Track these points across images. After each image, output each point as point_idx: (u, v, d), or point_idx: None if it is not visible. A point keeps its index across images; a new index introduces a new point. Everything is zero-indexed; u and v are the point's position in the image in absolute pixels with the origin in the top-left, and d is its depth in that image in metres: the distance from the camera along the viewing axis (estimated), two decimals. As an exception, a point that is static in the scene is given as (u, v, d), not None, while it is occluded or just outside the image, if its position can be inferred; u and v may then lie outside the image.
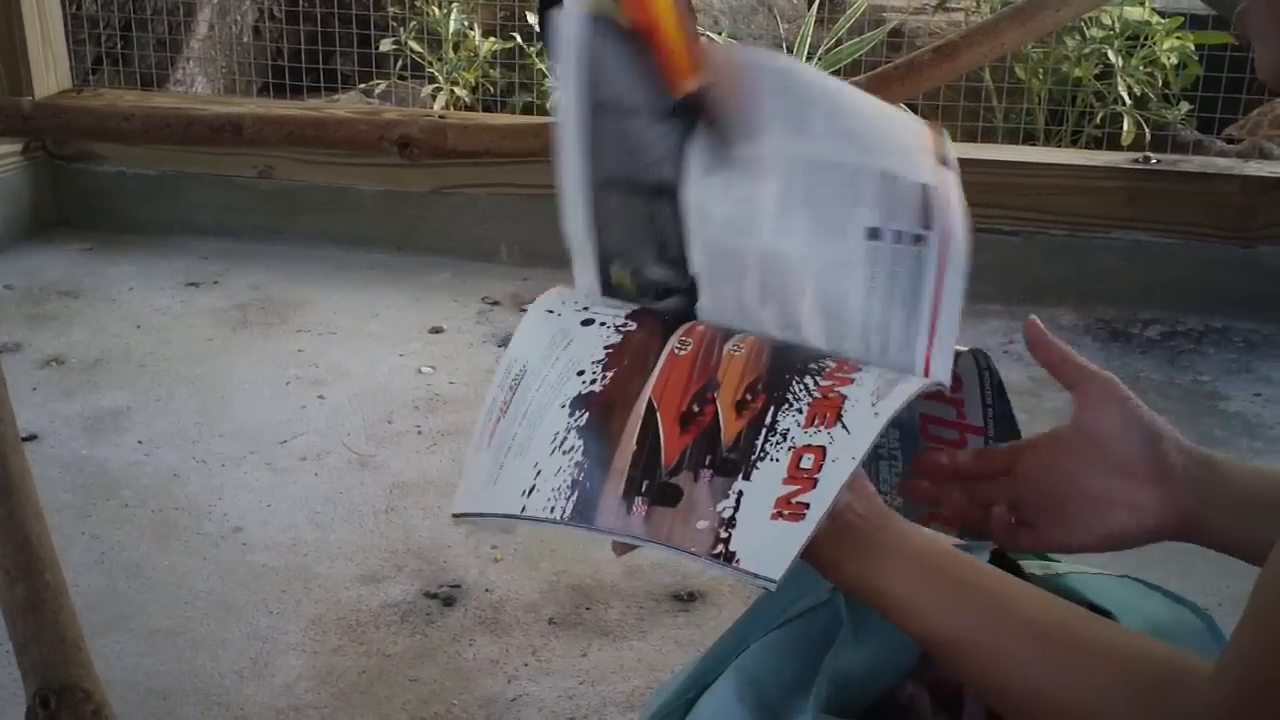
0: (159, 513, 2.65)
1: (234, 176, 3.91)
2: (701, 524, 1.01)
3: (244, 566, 2.49)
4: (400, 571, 2.48)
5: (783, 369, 1.09)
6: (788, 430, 1.04)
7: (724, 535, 1.00)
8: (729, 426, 1.06)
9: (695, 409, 1.08)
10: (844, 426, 1.02)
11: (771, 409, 1.06)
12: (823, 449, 1.01)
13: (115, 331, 3.39)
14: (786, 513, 0.99)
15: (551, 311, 1.22)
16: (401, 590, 2.43)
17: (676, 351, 1.13)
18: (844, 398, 1.04)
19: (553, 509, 1.06)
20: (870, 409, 1.03)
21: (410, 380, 3.17)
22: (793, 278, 1.13)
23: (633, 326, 1.17)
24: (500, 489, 1.11)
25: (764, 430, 1.05)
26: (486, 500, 1.11)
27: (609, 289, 1.23)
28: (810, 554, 0.99)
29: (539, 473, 1.09)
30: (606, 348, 1.15)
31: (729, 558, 0.99)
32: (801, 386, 1.07)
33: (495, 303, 3.58)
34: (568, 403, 1.12)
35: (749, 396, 1.07)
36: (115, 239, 3.91)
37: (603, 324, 1.18)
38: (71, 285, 3.64)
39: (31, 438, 2.85)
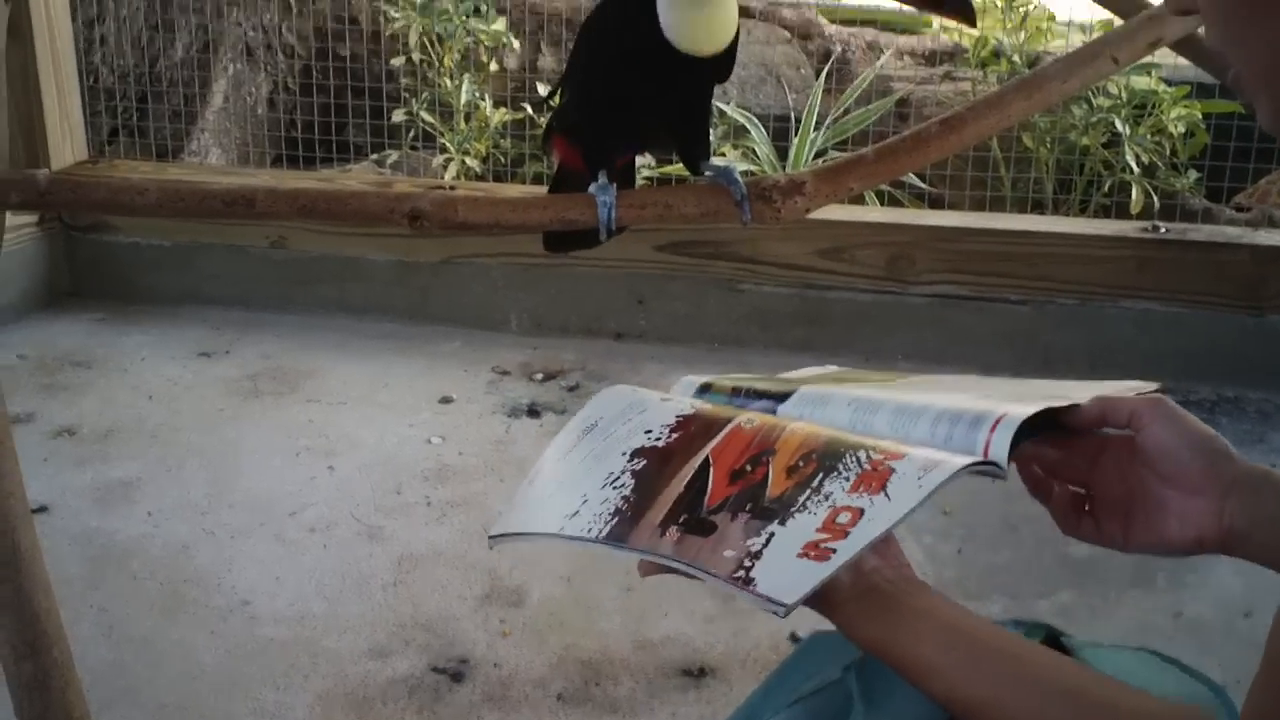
0: (168, 585, 2.65)
1: (247, 246, 3.93)
2: (729, 553, 1.05)
3: (252, 640, 2.48)
4: (408, 646, 2.46)
5: (839, 444, 1.14)
6: (831, 493, 1.08)
7: (747, 564, 1.04)
8: (776, 484, 1.11)
9: (748, 468, 1.14)
10: (886, 495, 1.06)
11: (820, 474, 1.10)
12: (861, 510, 1.05)
13: (127, 402, 3.40)
14: (813, 554, 1.02)
15: (634, 389, 1.32)
16: (409, 665, 2.41)
17: (743, 426, 1.20)
18: (892, 470, 1.08)
19: (589, 529, 1.13)
20: (916, 481, 1.07)
21: (419, 451, 3.17)
22: (883, 401, 1.21)
23: (707, 406, 1.26)
24: (544, 513, 1.19)
25: (809, 490, 1.09)
26: (527, 522, 1.20)
27: (702, 391, 1.32)
28: (835, 613, 1.02)
29: (585, 501, 1.16)
30: (678, 417, 1.24)
31: (746, 582, 1.02)
32: (854, 459, 1.11)
33: (505, 372, 3.58)
34: (629, 451, 1.20)
35: (801, 463, 1.12)
36: (128, 309, 3.93)
37: (680, 403, 1.28)
38: (84, 355, 3.66)
39: (42, 509, 2.85)
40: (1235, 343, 3.49)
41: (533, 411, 3.36)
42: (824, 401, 1.24)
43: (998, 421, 1.12)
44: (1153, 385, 1.27)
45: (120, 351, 3.69)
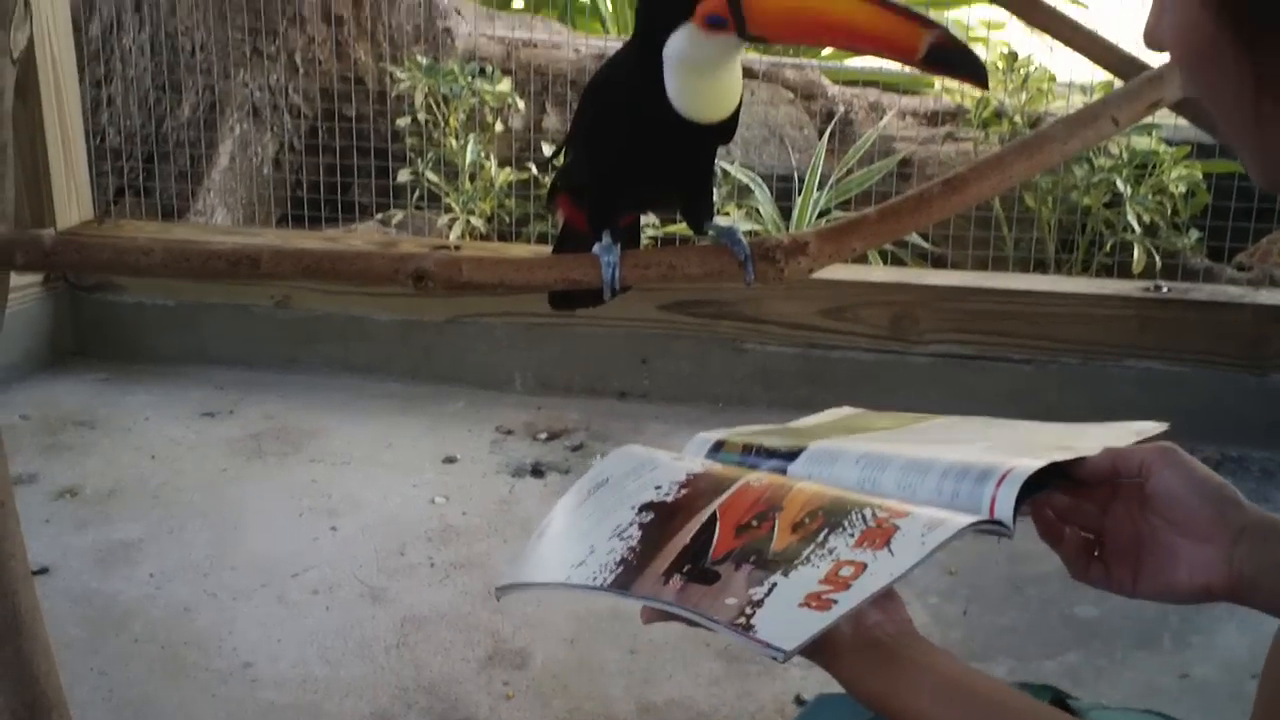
0: (168, 648, 2.63)
1: (251, 305, 3.94)
2: (730, 600, 1.06)
3: (253, 703, 2.47)
4: (411, 709, 2.45)
5: (845, 502, 1.15)
6: (835, 548, 1.09)
7: (749, 611, 1.05)
8: (781, 539, 1.12)
9: (754, 523, 1.15)
10: (890, 550, 1.07)
11: (825, 530, 1.11)
12: (864, 564, 1.06)
13: (130, 462, 3.39)
14: (814, 604, 1.03)
15: (646, 449, 1.34)
16: (412, 726, 2.40)
17: (751, 483, 1.22)
18: (897, 527, 1.09)
19: (595, 578, 1.15)
20: (919, 538, 1.08)
21: (423, 511, 3.16)
22: (893, 457, 1.22)
23: (717, 466, 1.28)
24: (551, 564, 1.21)
25: (813, 544, 1.10)
26: (534, 573, 1.21)
27: (715, 450, 1.33)
28: (836, 665, 1.03)
29: (592, 551, 1.18)
30: (688, 474, 1.26)
31: (747, 628, 1.03)
32: (859, 516, 1.12)
33: (509, 432, 3.58)
34: (638, 505, 1.22)
35: (807, 520, 1.13)
36: (132, 368, 3.93)
37: (691, 462, 1.30)
38: (88, 415, 3.65)
39: (43, 571, 2.84)
40: (1238, 402, 3.48)
41: (537, 471, 3.36)
42: (833, 459, 1.25)
43: (1004, 477, 1.13)
44: (1160, 425, 1.28)
45: (124, 411, 3.69)
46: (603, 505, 1.24)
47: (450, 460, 3.41)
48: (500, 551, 2.98)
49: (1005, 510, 1.11)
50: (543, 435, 3.56)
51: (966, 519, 1.10)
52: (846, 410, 1.49)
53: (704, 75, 1.59)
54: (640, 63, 1.60)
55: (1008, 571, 2.83)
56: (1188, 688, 2.49)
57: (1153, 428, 1.29)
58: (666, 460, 1.30)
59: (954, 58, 1.42)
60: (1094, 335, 3.55)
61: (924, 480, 1.17)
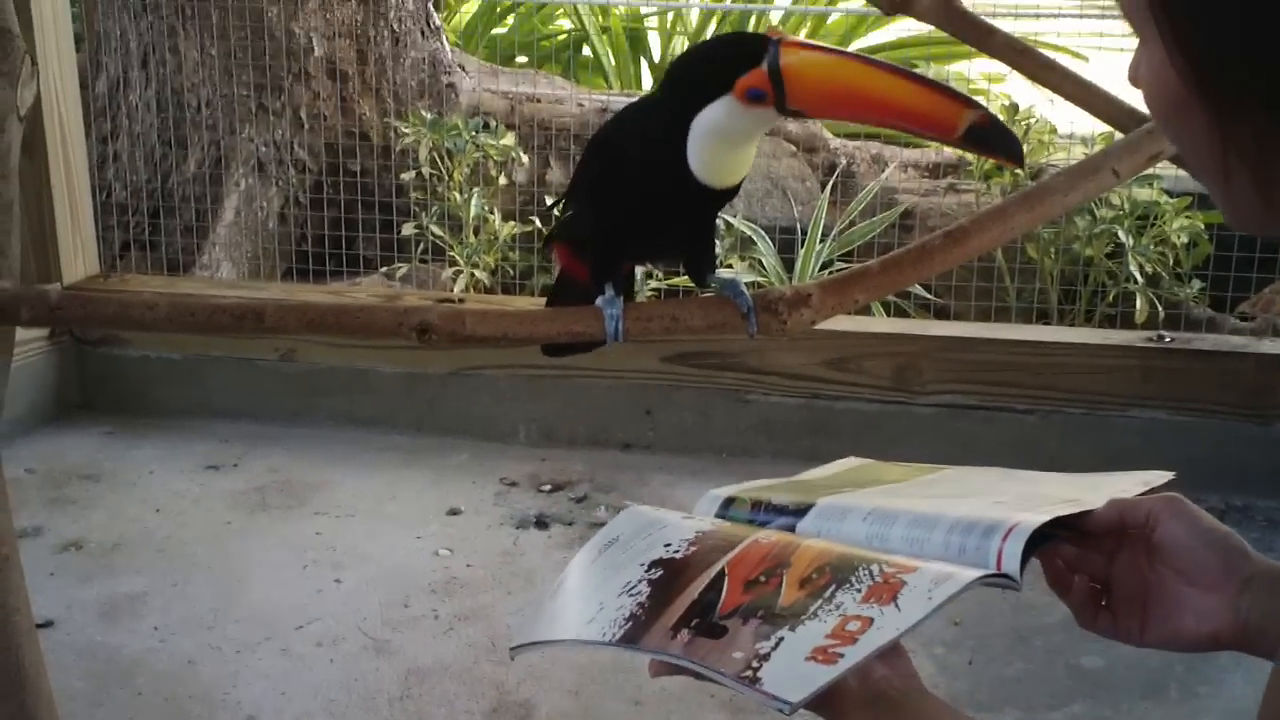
0: (172, 701, 2.63)
1: (256, 359, 3.95)
2: (737, 654, 1.07)
3: (257, 755, 2.46)
4: (415, 760, 2.44)
5: (853, 558, 1.16)
6: (842, 603, 1.10)
7: (755, 665, 1.05)
8: (789, 594, 1.13)
9: (762, 579, 1.16)
10: (896, 605, 1.08)
11: (833, 586, 1.12)
12: (870, 619, 1.07)
13: (134, 515, 3.39)
14: (820, 658, 1.04)
15: (656, 509, 1.35)
16: (416, 779, 2.39)
17: (760, 540, 1.23)
18: (903, 583, 1.10)
19: (604, 633, 1.16)
20: (926, 593, 1.09)
21: (428, 563, 3.16)
22: (901, 509, 1.23)
23: (726, 524, 1.29)
24: (561, 622, 1.22)
25: (820, 600, 1.11)
26: (545, 631, 1.23)
27: (726, 505, 1.34)
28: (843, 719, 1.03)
29: (601, 608, 1.19)
30: (698, 532, 1.27)
31: (754, 681, 1.04)
32: (866, 572, 1.13)
33: (513, 484, 3.58)
34: (647, 562, 1.23)
35: (814, 575, 1.14)
36: (137, 422, 3.94)
37: (700, 521, 1.30)
38: (92, 469, 3.66)
39: (47, 624, 2.84)
40: (1242, 451, 3.48)
41: (541, 523, 3.36)
42: (842, 515, 1.26)
43: (1010, 531, 1.14)
44: (1167, 475, 1.29)
45: (129, 465, 3.69)
46: (613, 563, 1.25)
47: (454, 512, 3.41)
48: (505, 603, 2.98)
49: (1012, 564, 1.12)
50: (547, 487, 3.56)
51: (973, 573, 1.11)
52: (855, 461, 1.50)
53: (733, 146, 1.61)
54: (665, 128, 1.61)
55: (1013, 622, 2.82)
56: (1195, 739, 2.49)
57: (1159, 477, 1.30)
58: (676, 519, 1.31)
59: (992, 138, 1.44)
60: (1097, 385, 3.56)
61: (931, 535, 1.18)
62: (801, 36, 1.49)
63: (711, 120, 1.56)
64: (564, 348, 1.99)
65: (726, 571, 1.18)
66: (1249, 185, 0.91)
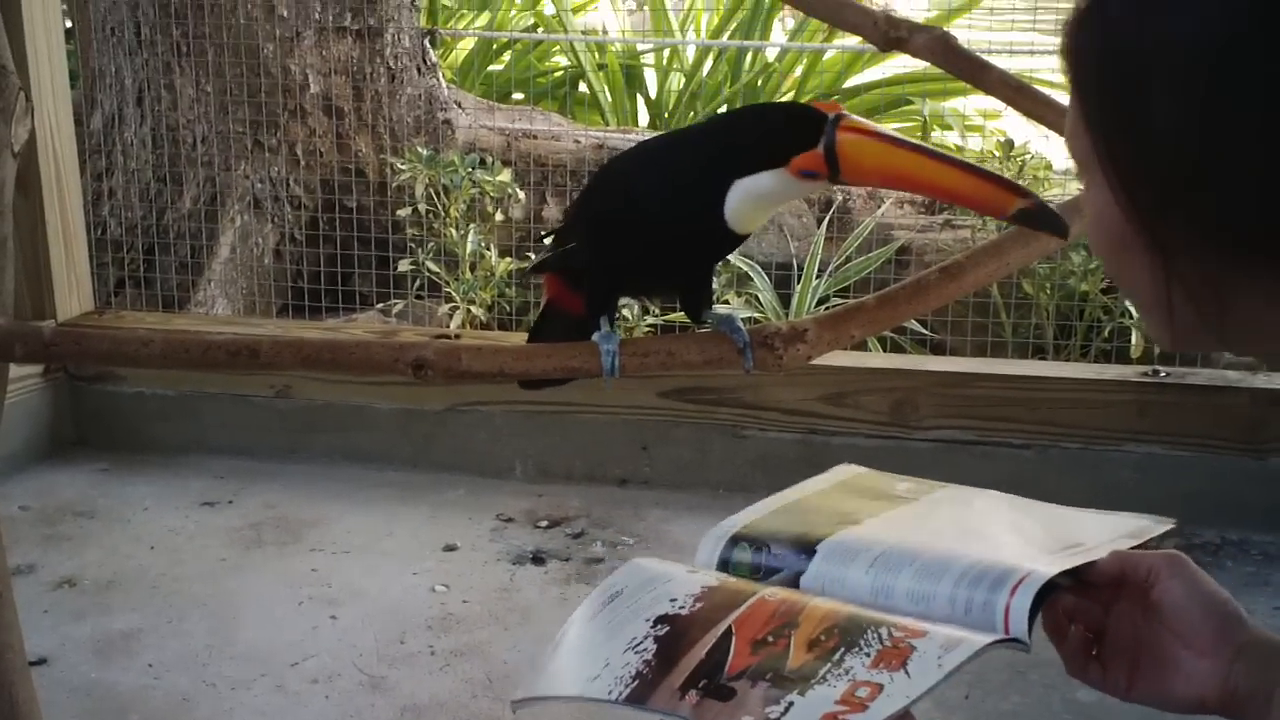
0: (167, 738, 2.62)
1: (251, 396, 3.95)
2: (746, 718, 1.07)
3: (252, 794, 2.45)
4: (410, 798, 2.43)
5: (861, 620, 1.16)
6: (852, 668, 1.09)
7: None
8: (797, 656, 1.12)
9: (770, 639, 1.15)
10: (906, 672, 1.08)
11: (842, 650, 1.12)
12: (880, 686, 1.07)
13: (129, 552, 3.38)
14: None
15: (660, 562, 1.33)
16: (412, 818, 2.38)
17: (766, 598, 1.22)
18: (913, 648, 1.10)
19: (610, 691, 1.15)
20: (936, 660, 1.09)
21: (424, 599, 3.15)
22: (907, 557, 1.23)
23: (731, 580, 1.28)
24: (565, 677, 1.20)
25: (829, 664, 1.10)
26: (548, 686, 1.21)
27: (724, 567, 1.32)
28: None
29: (607, 665, 1.18)
30: (703, 587, 1.26)
31: None
32: (875, 635, 1.13)
33: (509, 520, 3.57)
34: (653, 618, 1.22)
35: (823, 637, 1.14)
36: (132, 459, 3.93)
37: (706, 575, 1.29)
38: (87, 506, 3.65)
39: (41, 661, 2.83)
40: (1238, 486, 3.48)
41: (537, 559, 3.35)
42: (847, 560, 1.25)
43: (1017, 585, 1.14)
44: (1168, 523, 1.29)
45: (123, 502, 3.68)
46: (617, 618, 1.25)
47: (451, 548, 3.40)
48: (501, 640, 2.97)
49: (1020, 625, 1.13)
50: (543, 523, 3.55)
51: (983, 639, 1.11)
52: (852, 470, 1.49)
53: (773, 205, 1.64)
54: (704, 177, 1.63)
55: (1010, 656, 2.80)
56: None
57: (1160, 526, 1.30)
58: (680, 573, 1.30)
59: (1039, 219, 1.47)
60: (1093, 420, 3.56)
61: (937, 588, 1.18)
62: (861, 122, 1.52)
63: (760, 185, 1.60)
64: (540, 381, 1.99)
65: (734, 630, 1.18)
66: (1193, 321, 0.96)
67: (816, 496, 1.42)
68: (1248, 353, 1.03)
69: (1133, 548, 1.25)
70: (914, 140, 1.51)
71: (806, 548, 1.28)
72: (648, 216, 1.70)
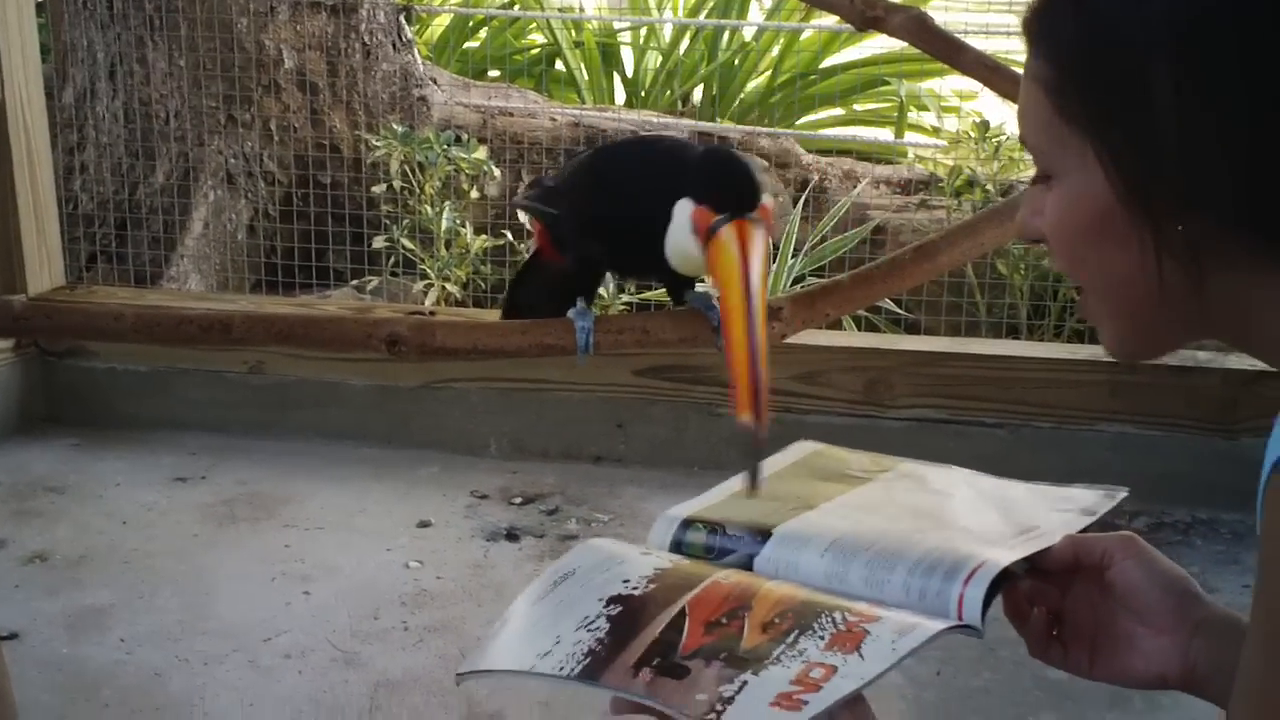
0: (139, 713, 2.61)
1: (225, 372, 3.93)
2: (700, 696, 1.06)
3: (224, 769, 2.45)
4: (383, 774, 2.43)
5: (816, 605, 1.16)
6: (805, 649, 1.10)
7: (719, 708, 1.05)
8: (751, 637, 1.12)
9: (724, 621, 1.15)
10: (860, 655, 1.08)
11: (796, 631, 1.12)
12: (834, 667, 1.07)
13: (100, 528, 3.37)
14: (785, 704, 1.04)
15: (614, 542, 1.33)
16: (384, 793, 2.38)
17: (720, 580, 1.22)
18: (867, 632, 1.11)
19: (562, 668, 1.14)
20: (890, 644, 1.09)
21: (397, 575, 3.15)
22: (862, 542, 1.22)
23: (685, 562, 1.27)
24: (514, 652, 1.19)
25: (783, 645, 1.10)
26: (496, 660, 1.19)
27: (678, 548, 1.32)
28: None
29: (558, 641, 1.17)
30: (656, 569, 1.25)
31: None
32: (829, 619, 1.13)
33: (484, 496, 3.57)
34: (605, 598, 1.21)
35: (777, 620, 1.14)
36: (104, 434, 3.91)
37: (659, 557, 1.29)
38: (58, 481, 3.64)
39: (12, 636, 2.82)
40: (1209, 465, 3.50)
41: (511, 535, 3.35)
42: (801, 545, 1.25)
43: (971, 575, 1.15)
44: (1122, 491, 1.30)
45: (95, 477, 3.67)
46: (569, 597, 1.24)
47: (425, 525, 3.40)
48: (475, 616, 2.97)
49: (974, 613, 1.14)
50: (518, 500, 3.55)
51: (937, 625, 1.12)
52: (810, 446, 1.49)
53: (687, 245, 1.63)
54: (652, 204, 1.64)
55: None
56: (1163, 751, 2.49)
57: (1117, 492, 1.31)
58: (634, 554, 1.30)
59: (750, 449, 1.48)
60: (1066, 400, 3.57)
61: (891, 576, 1.18)
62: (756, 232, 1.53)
63: (683, 214, 1.58)
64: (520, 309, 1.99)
65: (687, 611, 1.17)
66: (1182, 291, 0.96)
67: (773, 480, 1.41)
68: (1223, 336, 1.04)
69: (1090, 525, 1.26)
70: (754, 297, 1.49)
71: (761, 533, 1.28)
72: (618, 218, 1.70)
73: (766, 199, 1.59)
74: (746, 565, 1.26)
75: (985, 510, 1.31)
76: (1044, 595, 1.25)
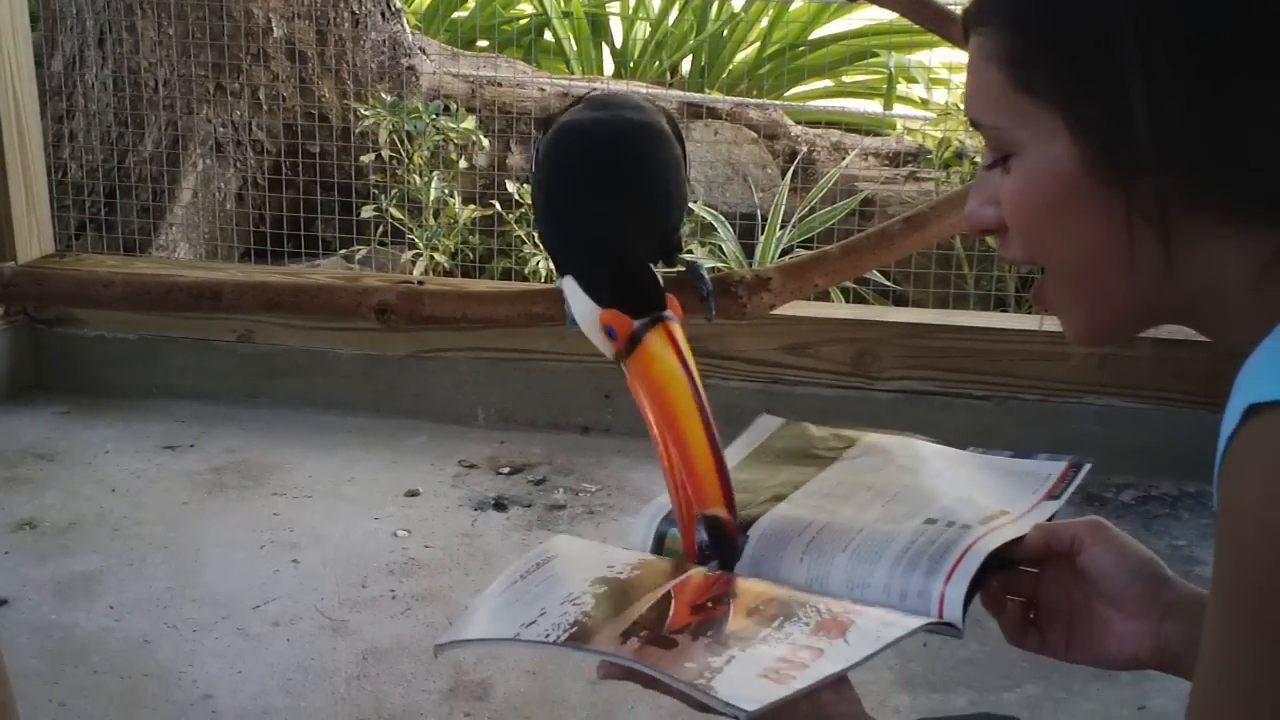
0: (128, 680, 2.62)
1: (214, 340, 3.93)
2: (689, 664, 1.07)
3: (213, 735, 2.46)
4: (372, 740, 2.45)
5: (798, 599, 1.17)
6: (792, 633, 1.11)
7: (708, 676, 1.05)
8: (737, 620, 1.14)
9: (709, 604, 1.16)
10: (845, 641, 1.09)
11: (781, 619, 1.13)
12: (820, 650, 1.08)
13: (89, 495, 3.38)
14: (773, 677, 1.04)
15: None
16: (373, 759, 2.39)
17: (704, 572, 1.24)
18: (853, 622, 1.12)
19: (548, 635, 1.14)
20: (875, 633, 1.11)
21: (385, 544, 3.16)
22: (840, 540, 1.23)
23: (666, 562, 1.28)
24: (497, 623, 1.18)
25: (769, 628, 1.11)
26: (478, 630, 1.19)
27: (659, 550, 1.33)
28: None
29: (543, 613, 1.17)
30: (640, 559, 1.27)
31: (707, 689, 1.04)
32: (814, 610, 1.14)
33: (472, 466, 3.58)
34: (591, 578, 1.21)
35: (762, 607, 1.15)
36: (93, 402, 3.91)
37: (642, 554, 1.31)
38: (47, 448, 3.64)
39: (2, 602, 2.83)
40: (1196, 438, 3.49)
41: (499, 505, 3.36)
42: (780, 546, 1.25)
43: (952, 572, 1.16)
44: (1087, 464, 1.32)
45: (84, 445, 3.67)
46: (554, 574, 1.24)
47: (413, 494, 3.41)
48: (463, 584, 2.98)
49: (955, 612, 1.15)
50: (505, 469, 3.56)
51: (919, 620, 1.13)
52: (775, 422, 1.47)
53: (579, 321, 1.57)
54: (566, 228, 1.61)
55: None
56: (1145, 719, 2.52)
57: (1066, 479, 1.32)
58: (615, 548, 1.31)
59: (715, 538, 1.31)
60: (1054, 373, 3.58)
61: (872, 576, 1.19)
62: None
63: (576, 295, 1.52)
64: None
65: (673, 594, 1.18)
66: (1153, 256, 0.96)
67: (741, 467, 1.40)
68: (1183, 316, 1.04)
69: (1056, 513, 1.27)
70: (699, 408, 1.40)
71: (740, 528, 1.29)
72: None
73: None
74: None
75: (953, 490, 1.31)
76: (1016, 584, 1.26)
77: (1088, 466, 1.33)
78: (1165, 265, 0.97)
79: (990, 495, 1.30)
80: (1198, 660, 0.93)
